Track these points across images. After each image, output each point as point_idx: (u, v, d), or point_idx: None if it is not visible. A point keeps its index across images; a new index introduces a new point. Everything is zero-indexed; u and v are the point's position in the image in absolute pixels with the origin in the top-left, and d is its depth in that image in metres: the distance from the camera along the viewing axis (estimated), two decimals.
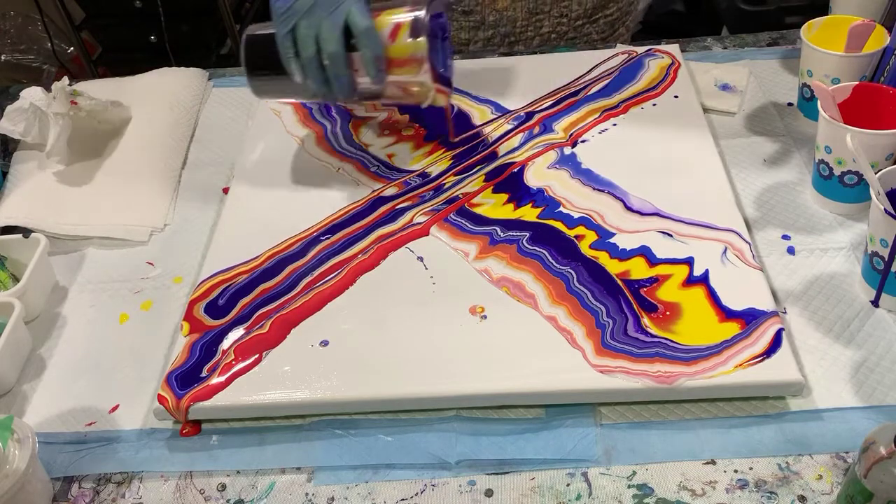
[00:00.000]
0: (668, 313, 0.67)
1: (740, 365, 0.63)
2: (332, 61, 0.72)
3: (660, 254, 0.73)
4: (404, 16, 0.75)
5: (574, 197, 0.80)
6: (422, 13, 0.74)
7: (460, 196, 0.81)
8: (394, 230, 0.78)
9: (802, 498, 0.58)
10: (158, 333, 0.74)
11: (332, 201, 0.83)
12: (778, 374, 0.62)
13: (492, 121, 0.90)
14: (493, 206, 0.80)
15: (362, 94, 0.79)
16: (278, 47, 0.74)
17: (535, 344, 0.66)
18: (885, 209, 0.65)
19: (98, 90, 0.97)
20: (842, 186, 0.76)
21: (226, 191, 0.88)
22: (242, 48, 0.79)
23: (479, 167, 0.84)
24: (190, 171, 0.93)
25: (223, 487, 0.63)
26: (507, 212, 0.79)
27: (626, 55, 0.97)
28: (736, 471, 0.60)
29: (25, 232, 0.81)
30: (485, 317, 0.69)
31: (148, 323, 0.75)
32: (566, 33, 1.03)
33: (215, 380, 0.66)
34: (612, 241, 0.74)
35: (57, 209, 0.87)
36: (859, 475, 0.52)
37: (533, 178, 0.82)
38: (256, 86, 0.82)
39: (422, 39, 0.74)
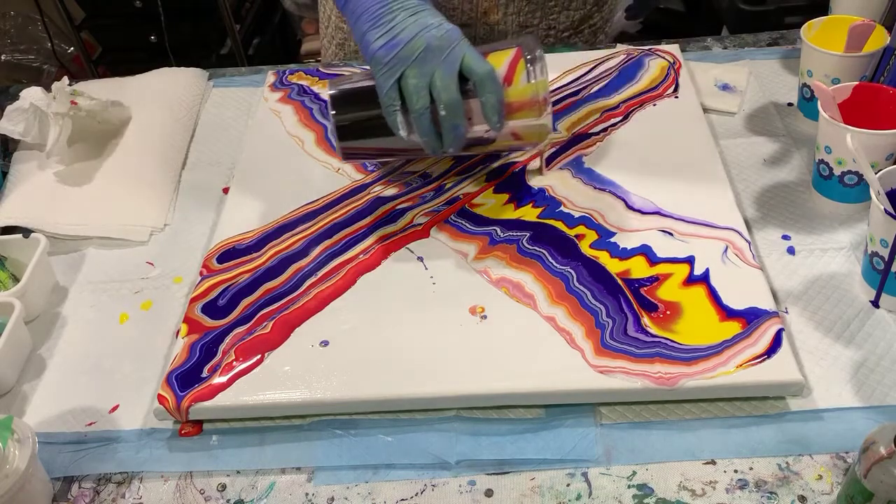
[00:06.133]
0: (668, 312, 0.67)
1: (741, 365, 0.63)
2: (450, 111, 0.67)
3: (660, 253, 0.73)
4: (513, 55, 0.69)
5: (575, 196, 0.80)
6: (539, 51, 0.69)
7: (461, 196, 0.81)
8: (394, 231, 0.78)
9: (802, 498, 0.58)
10: (158, 333, 0.74)
11: (331, 201, 0.82)
12: (778, 374, 0.62)
13: None
14: (494, 206, 0.80)
15: (467, 145, 0.73)
16: (381, 100, 0.68)
17: (534, 344, 0.66)
18: (885, 209, 0.65)
19: (98, 90, 0.97)
20: (842, 186, 0.76)
21: (226, 191, 0.88)
22: (331, 107, 0.72)
23: (480, 167, 0.84)
24: (190, 171, 0.93)
25: (223, 487, 0.63)
26: (508, 212, 0.79)
27: (626, 55, 0.97)
28: (736, 471, 0.60)
29: (25, 232, 0.81)
30: (485, 317, 0.69)
31: (148, 323, 0.75)
32: (553, 45, 1.03)
33: (216, 380, 0.66)
34: (612, 240, 0.74)
35: (57, 209, 0.87)
36: (859, 475, 0.52)
37: (534, 178, 0.82)
38: (346, 148, 0.74)
39: (543, 79, 0.68)
